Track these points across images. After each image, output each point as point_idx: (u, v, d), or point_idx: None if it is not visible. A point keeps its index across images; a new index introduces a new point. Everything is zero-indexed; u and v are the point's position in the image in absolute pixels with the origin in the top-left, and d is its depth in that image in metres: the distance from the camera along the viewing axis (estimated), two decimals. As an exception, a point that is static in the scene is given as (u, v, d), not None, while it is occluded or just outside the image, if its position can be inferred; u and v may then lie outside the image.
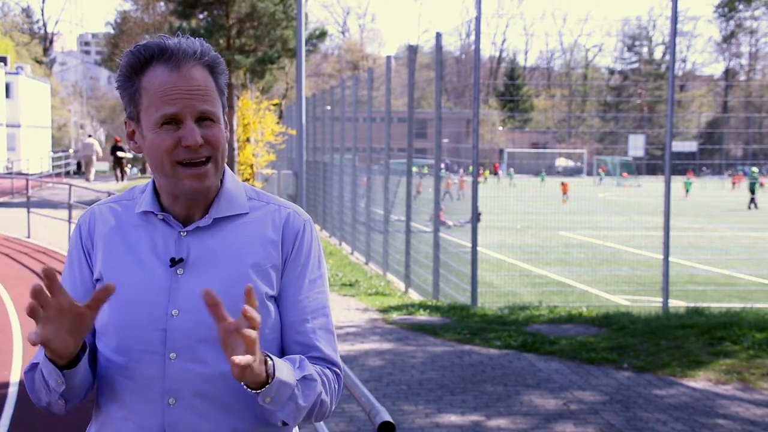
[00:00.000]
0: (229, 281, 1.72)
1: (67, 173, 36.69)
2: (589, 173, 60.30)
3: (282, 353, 1.80)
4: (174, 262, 1.73)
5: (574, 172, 59.77)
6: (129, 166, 41.95)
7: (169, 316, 1.71)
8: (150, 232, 1.77)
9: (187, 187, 1.70)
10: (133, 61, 1.70)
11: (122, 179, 32.84)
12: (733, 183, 49.88)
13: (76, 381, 1.68)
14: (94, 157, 33.55)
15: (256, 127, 24.68)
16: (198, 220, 1.77)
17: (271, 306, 1.77)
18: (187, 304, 1.71)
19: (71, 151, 45.55)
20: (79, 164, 38.31)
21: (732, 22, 66.96)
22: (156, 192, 1.80)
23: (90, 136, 41.21)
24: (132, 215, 1.80)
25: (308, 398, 1.70)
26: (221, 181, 1.80)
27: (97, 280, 1.79)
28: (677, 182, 41.27)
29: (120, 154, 33.33)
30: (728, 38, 71.70)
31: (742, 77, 76.78)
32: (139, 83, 1.70)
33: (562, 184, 35.69)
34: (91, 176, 32.78)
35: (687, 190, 40.40)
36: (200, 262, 1.74)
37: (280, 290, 1.79)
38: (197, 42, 1.72)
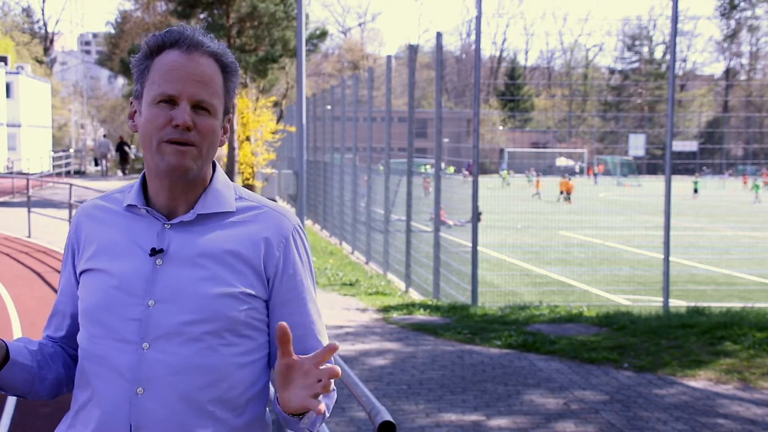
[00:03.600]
0: (207, 274, 1.74)
1: (67, 172, 36.73)
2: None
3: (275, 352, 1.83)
4: (154, 252, 1.75)
5: (575, 171, 59.69)
6: None
7: (146, 306, 1.72)
8: (134, 225, 1.80)
9: (166, 163, 1.71)
10: (153, 42, 1.75)
11: (125, 173, 36.47)
12: (744, 182, 50.11)
13: (15, 383, 1.78)
14: (109, 154, 38.96)
15: (255, 126, 24.68)
16: (182, 214, 1.78)
17: (254, 303, 1.77)
18: (165, 295, 1.73)
19: (72, 150, 45.69)
20: (96, 160, 42.56)
21: (733, 21, 66.89)
22: (144, 187, 1.82)
23: (105, 135, 47.97)
24: (119, 209, 1.83)
25: (330, 408, 1.79)
26: (210, 179, 1.82)
27: (83, 271, 1.82)
28: (680, 182, 41.30)
29: (125, 149, 37.48)
30: (730, 37, 71.62)
31: (743, 77, 76.75)
32: (152, 62, 1.74)
33: (568, 183, 35.61)
34: (107, 170, 38.06)
35: (695, 190, 40.39)
36: (181, 254, 1.75)
37: (273, 295, 1.80)
38: (217, 42, 1.77)
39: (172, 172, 1.72)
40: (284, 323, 1.58)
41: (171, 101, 1.71)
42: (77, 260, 1.85)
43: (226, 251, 1.76)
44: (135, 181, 1.86)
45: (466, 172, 14.35)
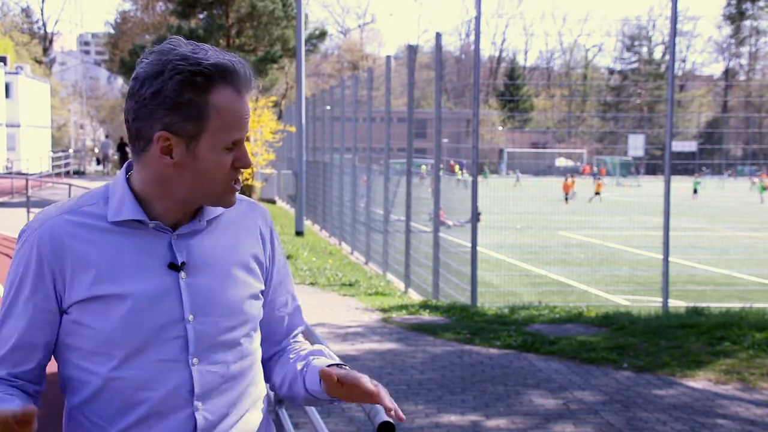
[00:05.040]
0: (232, 279, 1.76)
1: (67, 172, 36.74)
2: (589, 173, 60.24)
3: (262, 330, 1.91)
4: (176, 267, 1.69)
5: (574, 171, 59.72)
6: None
7: (186, 321, 1.70)
8: (138, 240, 1.69)
9: (228, 203, 1.73)
10: (198, 74, 1.60)
11: None
12: (752, 182, 50.29)
13: None
14: (110, 153, 41.56)
15: (255, 126, 24.68)
16: (185, 223, 1.73)
17: (262, 296, 1.84)
18: (200, 307, 1.71)
19: (71, 150, 45.78)
20: (98, 159, 45.69)
21: (738, 26, 66.95)
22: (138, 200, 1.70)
23: (107, 136, 51.18)
24: (103, 224, 1.69)
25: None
26: None
27: (85, 300, 1.66)
28: (679, 182, 41.31)
29: (126, 149, 39.25)
30: (734, 36, 71.60)
31: (742, 77, 76.78)
32: (206, 101, 1.62)
33: (567, 183, 35.56)
34: (109, 170, 39.93)
35: (695, 191, 40.41)
36: (201, 263, 1.73)
37: (267, 282, 1.87)
38: (248, 66, 1.72)
39: (223, 206, 1.75)
40: (327, 370, 1.76)
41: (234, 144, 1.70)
42: (66, 288, 1.66)
43: (239, 251, 1.79)
44: (99, 189, 1.73)
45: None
